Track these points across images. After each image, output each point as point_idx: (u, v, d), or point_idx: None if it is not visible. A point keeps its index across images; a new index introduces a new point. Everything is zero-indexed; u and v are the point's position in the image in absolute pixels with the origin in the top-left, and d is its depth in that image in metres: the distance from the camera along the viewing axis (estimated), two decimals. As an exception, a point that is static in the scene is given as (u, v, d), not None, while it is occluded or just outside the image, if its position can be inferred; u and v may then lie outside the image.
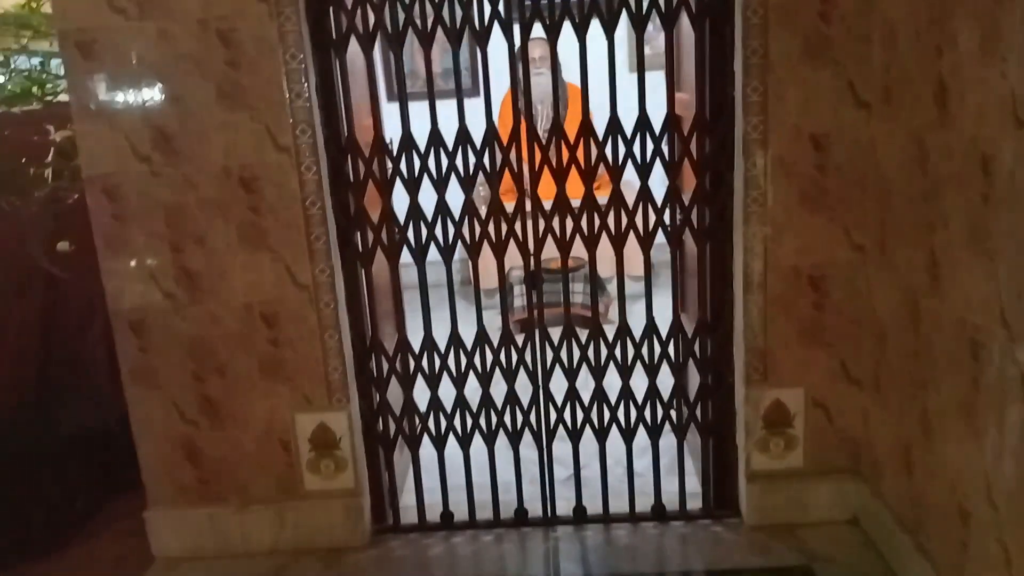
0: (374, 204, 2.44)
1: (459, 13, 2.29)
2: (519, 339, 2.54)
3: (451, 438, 2.63)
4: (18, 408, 2.85)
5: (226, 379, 2.48)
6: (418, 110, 2.39)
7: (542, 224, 2.46)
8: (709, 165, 2.40)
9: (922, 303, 2.09)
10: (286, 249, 2.37)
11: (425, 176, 2.41)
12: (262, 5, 2.21)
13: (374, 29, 2.29)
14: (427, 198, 2.42)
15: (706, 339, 2.54)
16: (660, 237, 2.46)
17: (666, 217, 2.45)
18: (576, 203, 2.43)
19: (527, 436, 2.62)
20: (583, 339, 2.55)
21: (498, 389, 2.58)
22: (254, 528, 2.58)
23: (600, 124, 2.39)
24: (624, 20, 2.34)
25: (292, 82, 2.25)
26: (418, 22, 2.30)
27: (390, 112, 2.43)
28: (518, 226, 2.46)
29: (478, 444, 2.63)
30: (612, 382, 2.57)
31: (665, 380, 2.58)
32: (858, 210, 2.34)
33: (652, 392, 2.58)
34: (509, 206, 2.43)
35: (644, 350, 2.54)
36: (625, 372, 2.56)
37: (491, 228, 2.45)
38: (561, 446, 2.64)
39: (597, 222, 2.46)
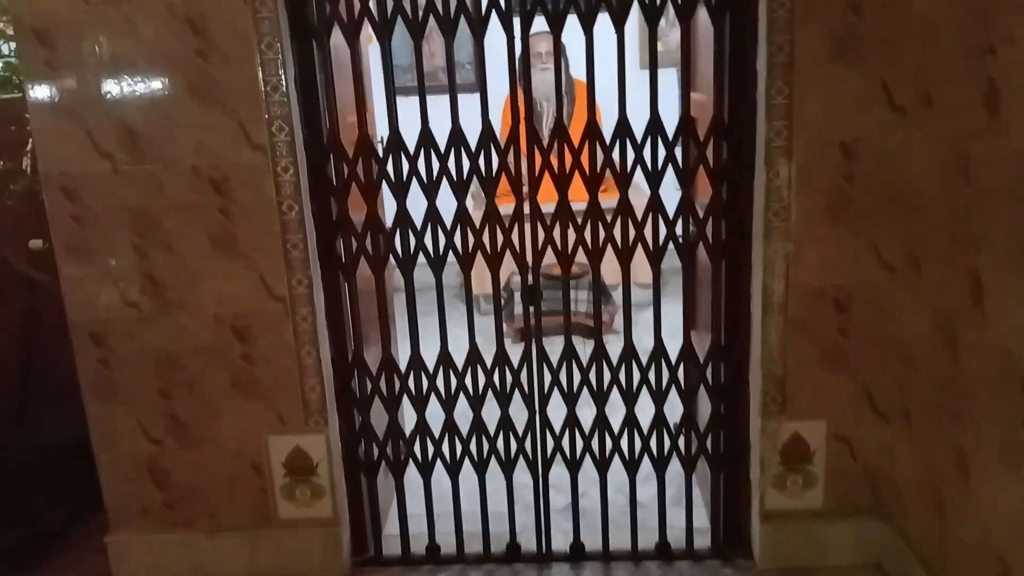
0: (359, 209, 2.23)
1: (453, 1, 2.08)
2: (518, 351, 2.32)
3: (439, 464, 2.42)
4: (-2, 418, 2.69)
5: (194, 396, 2.28)
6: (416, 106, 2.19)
7: (541, 234, 2.24)
8: (726, 174, 2.18)
9: (960, 330, 1.88)
10: (260, 257, 2.17)
11: (415, 180, 2.20)
12: (236, -11, 2.01)
13: (360, 17, 2.08)
14: (420, 203, 2.21)
15: (719, 364, 2.32)
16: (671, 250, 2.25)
17: (678, 229, 2.23)
18: (580, 207, 2.21)
19: (521, 464, 2.41)
20: (584, 361, 2.33)
21: (491, 412, 2.37)
22: (224, 557, 2.38)
23: (609, 124, 2.17)
24: (635, 12, 2.13)
25: (268, 75, 2.05)
26: (409, 10, 2.09)
27: (380, 108, 2.23)
28: (515, 235, 2.25)
29: (468, 471, 2.42)
30: (615, 407, 2.36)
31: (673, 407, 2.37)
32: (889, 225, 2.12)
33: (659, 420, 2.37)
34: (507, 209, 2.21)
35: (651, 375, 2.33)
36: (630, 398, 2.35)
37: (487, 236, 2.24)
38: (559, 471, 2.43)
39: (602, 233, 2.24)
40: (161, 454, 2.33)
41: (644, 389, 2.34)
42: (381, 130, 2.35)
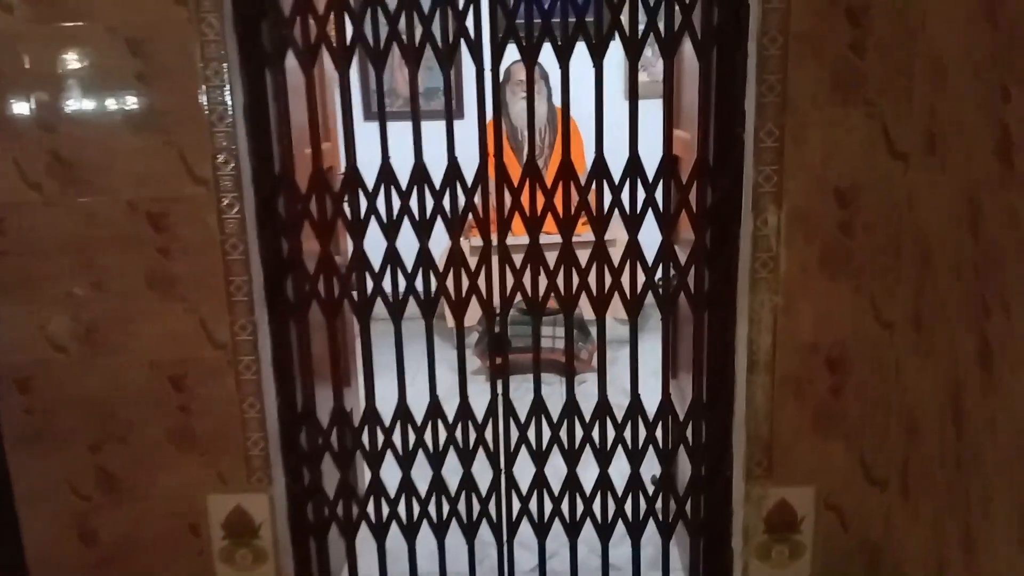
0: (314, 249, 2.05)
1: (419, 29, 1.91)
2: (484, 398, 2.13)
3: (394, 526, 2.22)
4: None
5: (128, 449, 2.08)
6: (394, 134, 2.03)
7: (511, 278, 2.07)
8: (711, 219, 2.01)
9: (968, 399, 1.72)
10: (201, 300, 1.98)
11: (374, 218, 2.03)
12: (180, 8, 1.84)
13: (316, 42, 1.92)
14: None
15: (700, 423, 2.14)
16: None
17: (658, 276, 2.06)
18: (553, 240, 2.03)
19: (485, 528, 2.21)
20: (555, 416, 2.15)
21: (452, 470, 2.18)
22: (157, 625, 2.17)
23: (592, 156, 2.01)
24: (616, 44, 1.97)
25: (213, 102, 1.88)
26: (371, 37, 1.93)
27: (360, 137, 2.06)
28: (483, 278, 2.07)
29: (426, 534, 2.22)
30: (588, 465, 2.17)
31: (651, 467, 2.18)
32: (889, 279, 1.96)
33: (635, 481, 2.18)
34: (476, 243, 2.03)
35: (627, 432, 2.14)
36: (604, 457, 2.16)
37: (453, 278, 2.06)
38: (527, 529, 2.24)
39: (576, 280, 2.07)
40: (90, 511, 2.13)
41: (619, 448, 2.16)
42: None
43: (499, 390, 2.13)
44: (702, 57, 1.94)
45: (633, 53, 1.94)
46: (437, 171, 2.02)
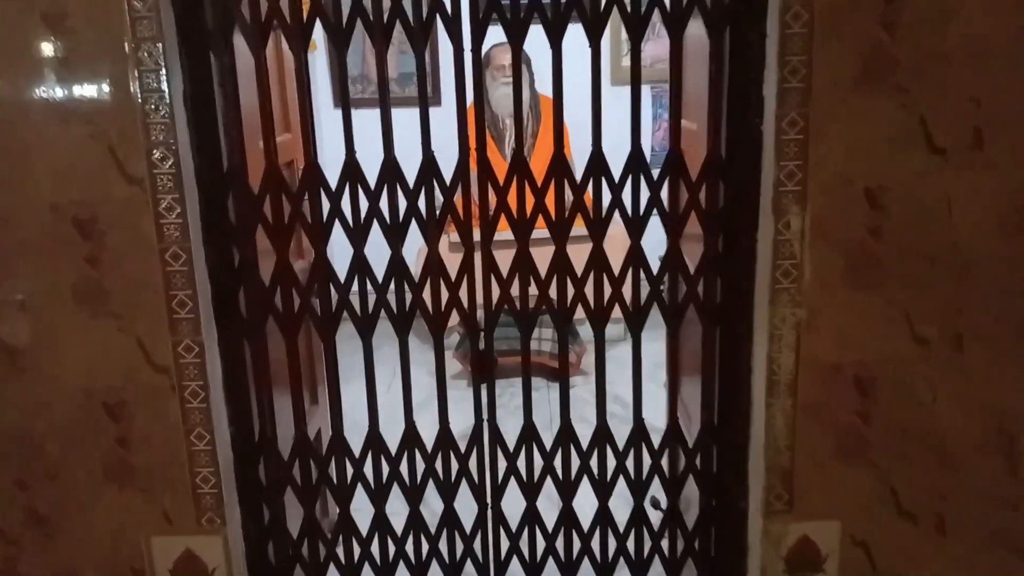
0: (270, 257, 1.79)
1: (388, 2, 1.65)
2: (468, 407, 1.88)
3: (367, 568, 1.97)
4: None
5: (59, 487, 1.82)
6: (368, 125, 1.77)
7: (496, 290, 1.82)
8: (723, 222, 1.77)
9: (1017, 431, 1.49)
10: (138, 317, 1.72)
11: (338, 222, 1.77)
12: (105, -23, 1.56)
13: (267, 19, 1.65)
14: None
15: (711, 449, 1.90)
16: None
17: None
18: (541, 235, 1.78)
19: (470, 568, 1.97)
20: (547, 445, 1.91)
21: (432, 505, 1.94)
22: None
23: (577, 145, 1.77)
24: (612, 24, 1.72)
25: (147, 89, 1.61)
26: (331, 12, 1.66)
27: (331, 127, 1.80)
28: (465, 287, 1.83)
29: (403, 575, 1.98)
30: (585, 498, 1.94)
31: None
32: (925, 291, 1.72)
33: (639, 516, 1.94)
34: (456, 239, 1.78)
35: (630, 461, 1.91)
36: (603, 489, 1.92)
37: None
38: (516, 566, 2.00)
39: (571, 291, 1.82)
40: (18, 556, 1.87)
41: (620, 478, 1.92)
42: (327, 154, 1.91)
43: (484, 415, 1.88)
44: (713, 36, 1.69)
45: (635, 30, 1.69)
46: (415, 164, 1.77)
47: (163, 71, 1.60)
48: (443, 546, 1.96)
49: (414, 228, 1.82)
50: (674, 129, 1.75)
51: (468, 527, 1.95)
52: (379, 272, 1.81)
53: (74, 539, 1.86)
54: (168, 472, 1.80)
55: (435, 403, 1.88)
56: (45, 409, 1.78)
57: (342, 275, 1.80)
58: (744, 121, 1.70)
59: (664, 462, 1.95)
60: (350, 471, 1.91)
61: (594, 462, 1.92)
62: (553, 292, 1.82)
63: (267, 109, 1.70)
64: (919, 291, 1.73)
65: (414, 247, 1.82)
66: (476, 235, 1.78)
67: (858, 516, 1.86)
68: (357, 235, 1.77)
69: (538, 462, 1.92)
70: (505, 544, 1.97)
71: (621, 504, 1.96)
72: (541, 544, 1.97)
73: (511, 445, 1.91)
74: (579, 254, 1.81)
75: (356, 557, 1.96)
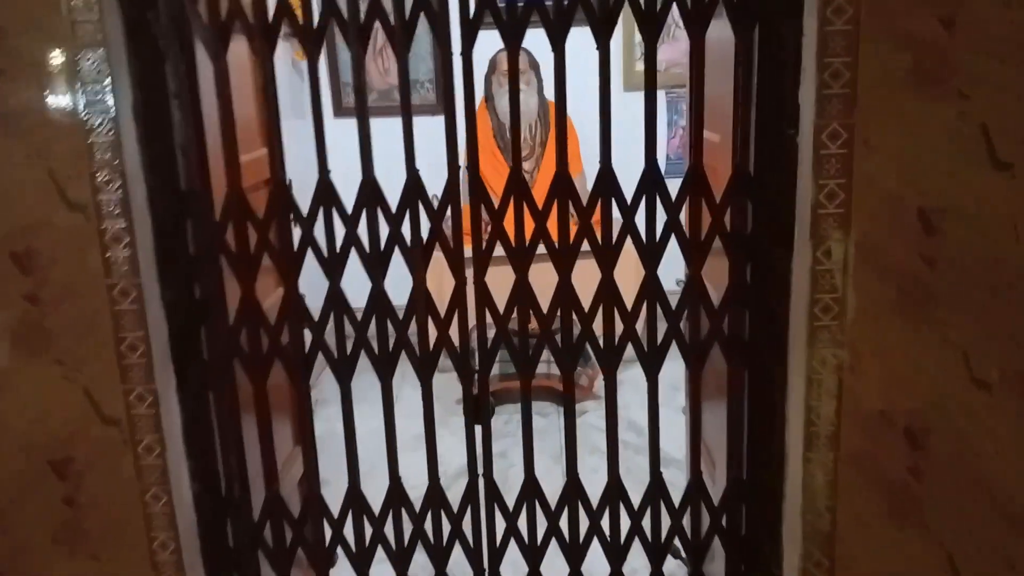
0: (235, 293, 1.58)
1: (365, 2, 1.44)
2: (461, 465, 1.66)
3: (350, 640, 1.76)
4: None
5: (9, 543, 1.61)
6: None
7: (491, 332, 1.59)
8: (752, 249, 1.54)
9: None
10: (84, 362, 1.51)
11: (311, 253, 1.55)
12: (40, -27, 1.37)
13: (228, 20, 1.44)
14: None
15: (740, 508, 1.67)
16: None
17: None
18: (541, 250, 1.56)
19: (465, 640, 1.75)
20: (554, 492, 1.68)
21: (421, 569, 1.72)
22: None
23: (587, 152, 1.56)
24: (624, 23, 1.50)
25: (90, 101, 1.40)
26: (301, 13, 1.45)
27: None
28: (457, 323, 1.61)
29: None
30: (595, 560, 1.71)
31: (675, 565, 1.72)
32: (986, 328, 1.48)
33: (655, 582, 1.71)
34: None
35: (646, 521, 1.68)
36: (616, 554, 1.69)
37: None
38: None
39: (576, 328, 1.60)
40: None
41: (635, 541, 1.69)
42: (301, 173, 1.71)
43: (480, 470, 1.66)
44: (740, 34, 1.47)
45: (650, 30, 1.47)
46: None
47: (107, 80, 1.40)
48: (435, 616, 1.74)
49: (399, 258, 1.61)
50: (695, 142, 1.53)
51: (463, 594, 1.73)
52: (358, 307, 1.60)
53: (20, 609, 1.65)
54: (122, 535, 1.60)
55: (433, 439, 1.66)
56: (-17, 465, 1.57)
57: (316, 312, 1.59)
58: (776, 132, 1.48)
59: (686, 519, 1.72)
60: (328, 533, 1.68)
61: (605, 521, 1.69)
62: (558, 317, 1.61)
63: (229, 122, 1.49)
64: (980, 328, 1.49)
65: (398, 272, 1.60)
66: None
67: (910, 585, 1.62)
68: (333, 266, 1.55)
69: (541, 523, 1.69)
70: (505, 614, 1.74)
71: (636, 558, 1.73)
72: (546, 614, 1.74)
73: (512, 496, 1.68)
74: (587, 271, 1.59)
75: (337, 627, 1.74)
